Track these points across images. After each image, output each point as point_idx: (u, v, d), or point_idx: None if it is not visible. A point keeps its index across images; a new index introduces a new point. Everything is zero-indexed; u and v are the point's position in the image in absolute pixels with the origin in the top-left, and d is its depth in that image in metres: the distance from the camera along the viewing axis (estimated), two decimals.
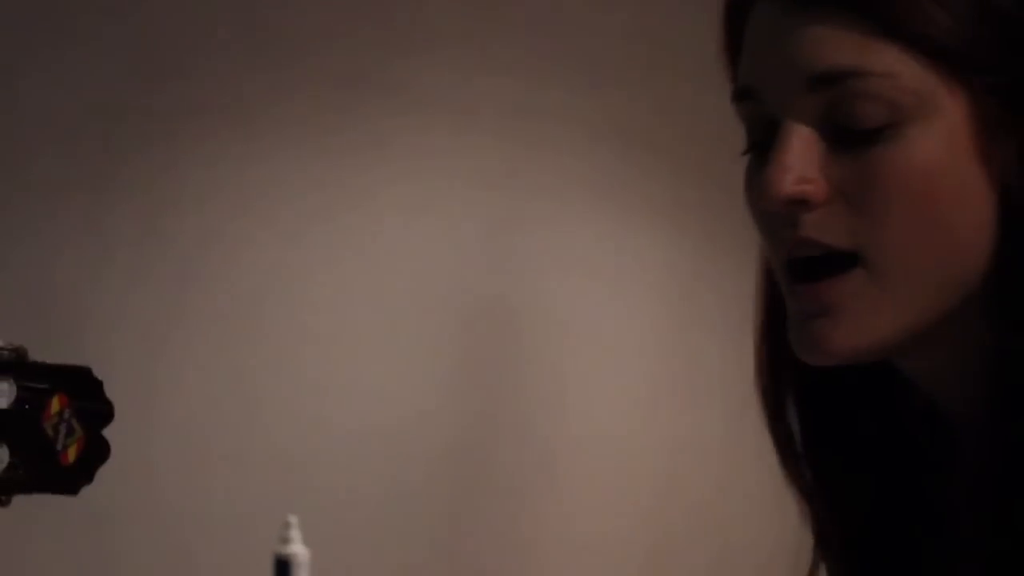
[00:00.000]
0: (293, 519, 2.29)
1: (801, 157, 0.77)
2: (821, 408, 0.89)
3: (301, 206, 2.63)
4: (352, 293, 2.67)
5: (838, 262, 0.77)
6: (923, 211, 0.75)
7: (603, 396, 2.80)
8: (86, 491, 1.01)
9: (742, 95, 0.82)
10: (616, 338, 2.79)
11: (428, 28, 2.71)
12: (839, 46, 0.75)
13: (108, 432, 1.00)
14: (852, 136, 0.76)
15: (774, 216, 0.78)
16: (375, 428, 2.68)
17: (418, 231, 2.69)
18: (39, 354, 0.99)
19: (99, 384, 1.01)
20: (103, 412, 1.01)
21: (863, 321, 0.76)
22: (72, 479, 1.00)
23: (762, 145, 0.81)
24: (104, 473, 1.01)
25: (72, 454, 1.00)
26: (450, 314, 2.71)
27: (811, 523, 0.91)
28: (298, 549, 2.28)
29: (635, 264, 2.75)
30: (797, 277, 0.79)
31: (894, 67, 0.75)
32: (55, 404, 1.00)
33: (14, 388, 0.99)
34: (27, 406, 0.99)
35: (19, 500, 0.98)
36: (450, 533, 2.73)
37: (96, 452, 1.00)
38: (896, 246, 0.75)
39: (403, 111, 2.68)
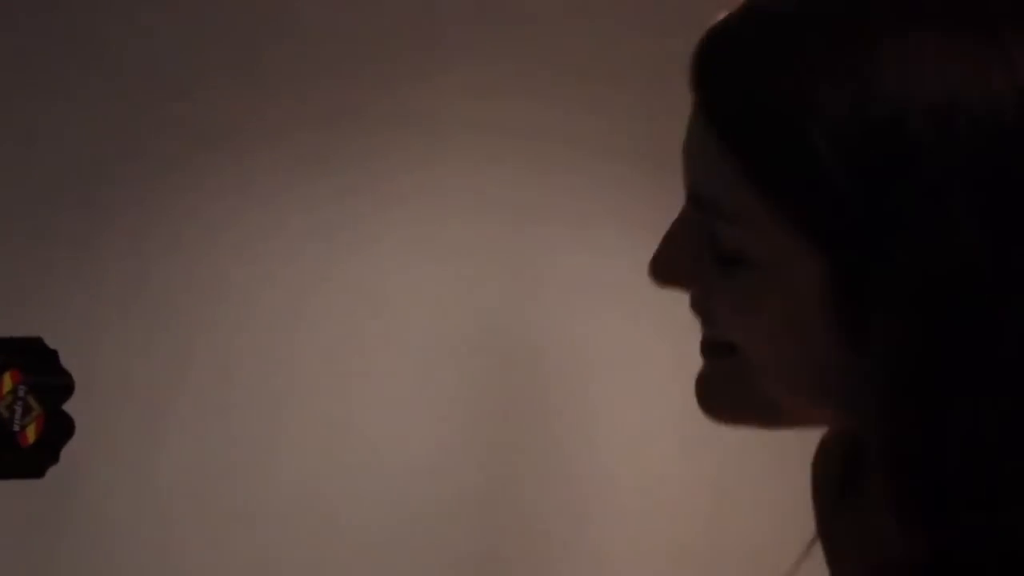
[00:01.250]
0: None
1: (674, 250, 0.78)
2: None
3: (315, 246, 2.54)
4: (369, 333, 2.58)
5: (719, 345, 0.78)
6: (777, 339, 0.74)
7: (634, 430, 2.71)
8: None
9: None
10: (647, 370, 2.70)
11: (438, 55, 2.62)
12: (713, 175, 0.73)
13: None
14: (718, 254, 0.75)
15: None
16: (399, 468, 2.59)
17: (435, 266, 2.61)
18: None
19: (54, 354, 0.92)
20: (62, 385, 0.92)
21: (728, 401, 0.79)
22: (35, 461, 0.91)
23: None
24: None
25: (31, 434, 0.91)
26: (472, 350, 2.62)
27: None
28: None
29: (665, 294, 2.62)
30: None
31: (753, 214, 0.71)
32: (7, 381, 0.91)
33: None
34: None
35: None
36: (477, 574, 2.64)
37: (59, 429, 0.91)
38: (758, 357, 0.75)
39: (413, 141, 2.59)
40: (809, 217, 0.70)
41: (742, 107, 0.72)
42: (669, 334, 2.55)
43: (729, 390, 0.79)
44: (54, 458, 0.91)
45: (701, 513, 2.66)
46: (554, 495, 2.64)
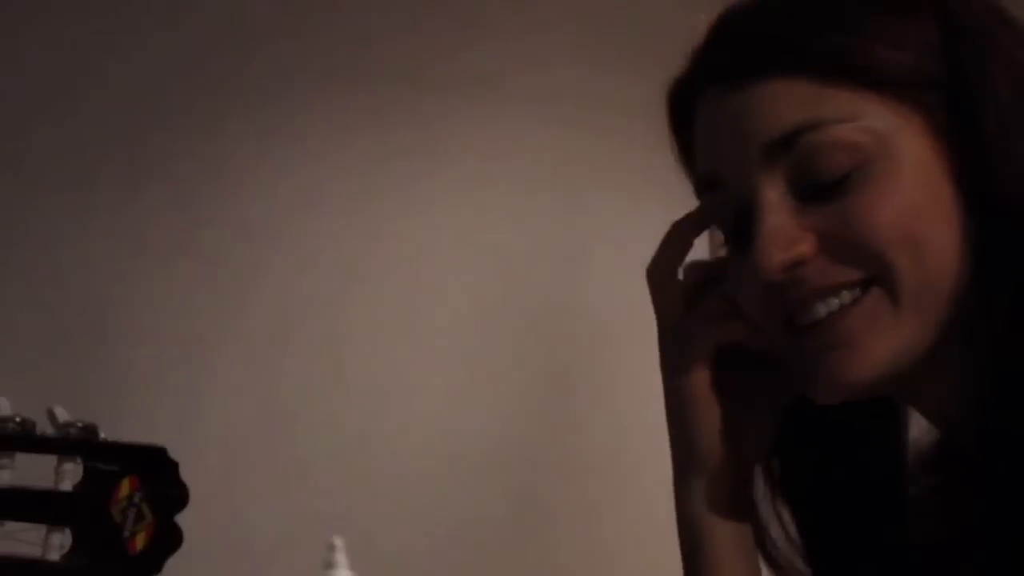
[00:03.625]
0: (339, 541, 2.03)
1: (782, 224, 0.79)
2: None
3: (361, 211, 2.56)
4: (418, 289, 2.58)
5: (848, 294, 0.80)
6: (913, 229, 0.77)
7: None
8: None
9: (707, 184, 0.85)
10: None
11: (490, 21, 2.66)
12: (786, 106, 0.78)
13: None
14: (822, 189, 0.78)
15: (775, 288, 0.80)
16: (428, 447, 2.56)
17: (478, 238, 2.61)
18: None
19: (175, 466, 0.93)
20: (177, 496, 0.93)
21: (880, 344, 0.79)
22: (139, 569, 0.91)
23: (737, 236, 0.84)
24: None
25: (140, 542, 0.91)
26: (517, 319, 2.61)
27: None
28: (343, 574, 2.03)
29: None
30: (804, 325, 0.81)
31: (846, 110, 0.77)
32: (125, 487, 0.92)
33: (80, 468, 0.91)
34: (93, 488, 0.91)
35: None
36: (498, 552, 2.57)
37: (166, 540, 0.91)
38: (901, 265, 0.78)
39: (465, 105, 2.62)
40: (892, 80, 0.77)
41: (822, 31, 0.79)
42: None
43: (875, 335, 0.79)
44: (157, 568, 0.92)
45: None
46: (601, 460, 2.58)
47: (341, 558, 2.04)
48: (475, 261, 2.63)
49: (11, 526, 0.90)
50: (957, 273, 0.79)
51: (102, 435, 0.93)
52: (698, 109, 0.86)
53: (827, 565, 0.91)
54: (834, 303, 0.80)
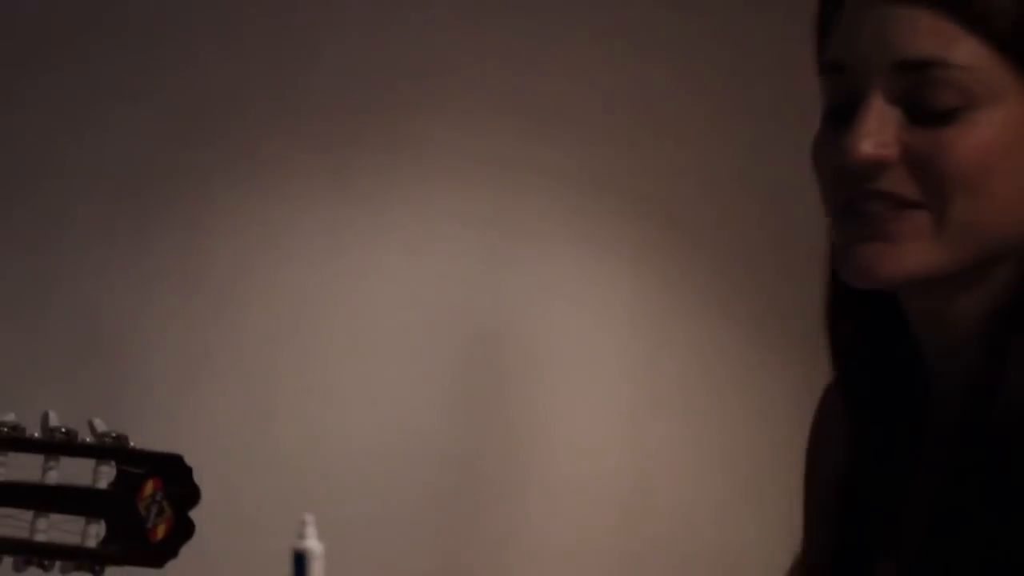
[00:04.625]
0: (310, 518, 2.52)
1: (881, 126, 0.86)
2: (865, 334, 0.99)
3: (319, 243, 2.86)
4: (365, 320, 2.91)
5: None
6: (982, 179, 0.85)
7: (583, 410, 3.00)
8: None
9: (832, 67, 0.92)
10: (593, 359, 3.01)
11: (433, 92, 2.95)
12: (927, 36, 0.85)
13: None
14: (928, 115, 0.86)
15: (850, 172, 0.87)
16: (384, 439, 2.91)
17: (422, 266, 2.93)
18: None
19: (189, 470, 1.12)
20: (191, 495, 1.12)
21: (915, 254, 0.87)
22: (160, 554, 1.11)
23: (838, 112, 0.90)
24: None
25: (160, 532, 1.10)
26: (449, 338, 2.94)
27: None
28: (313, 544, 2.51)
29: (609, 295, 2.94)
30: (859, 213, 0.89)
31: (972, 59, 0.85)
32: (149, 487, 1.11)
33: (114, 471, 1.10)
34: (124, 487, 1.10)
35: (110, 571, 1.09)
36: (441, 530, 2.91)
37: (182, 531, 1.11)
38: (957, 207, 0.86)
39: (408, 165, 2.93)
40: (1016, 43, 0.85)
41: None
42: (610, 326, 2.83)
43: (912, 245, 0.86)
44: (174, 554, 1.11)
45: (631, 480, 2.93)
46: (514, 462, 2.96)
47: (311, 530, 2.52)
48: (425, 290, 2.95)
49: (55, 518, 1.09)
50: (1008, 230, 0.87)
51: (131, 443, 1.12)
52: (849, 2, 0.91)
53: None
54: (889, 205, 0.87)
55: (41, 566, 1.08)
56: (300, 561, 2.50)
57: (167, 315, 2.78)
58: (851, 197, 0.88)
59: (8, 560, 1.07)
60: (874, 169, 0.86)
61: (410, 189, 2.92)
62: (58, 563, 1.08)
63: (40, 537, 1.08)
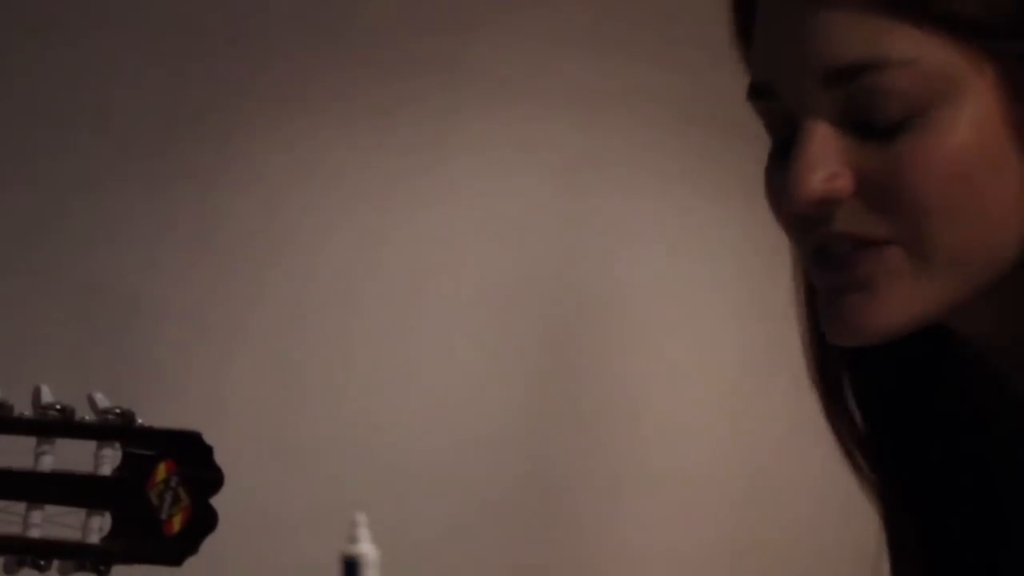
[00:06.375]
0: (362, 518, 2.21)
1: (824, 155, 0.74)
2: (878, 390, 0.88)
3: (374, 203, 2.64)
4: (427, 277, 2.66)
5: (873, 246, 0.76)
6: (958, 195, 0.73)
7: (683, 383, 2.74)
8: None
9: (757, 93, 0.79)
10: (694, 318, 2.76)
11: (493, 11, 2.74)
12: (853, 37, 0.72)
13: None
14: (874, 129, 0.74)
15: (803, 217, 0.76)
16: (445, 426, 2.65)
17: (493, 220, 2.69)
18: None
19: (209, 450, 0.96)
20: (212, 479, 0.96)
21: (898, 298, 0.75)
22: (176, 549, 0.95)
23: (783, 143, 0.78)
24: None
25: (177, 523, 0.95)
26: (521, 302, 2.69)
27: (882, 521, 0.90)
28: (367, 549, 2.20)
29: (713, 237, 2.71)
30: (829, 257, 0.77)
31: (914, 52, 0.72)
32: (161, 471, 0.95)
33: (119, 454, 0.95)
34: (132, 472, 0.95)
35: (117, 571, 0.94)
36: (515, 538, 2.66)
37: (203, 521, 0.95)
38: (934, 233, 0.74)
39: (470, 98, 2.70)
40: (972, 23, 0.72)
41: None
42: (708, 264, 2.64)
43: (893, 288, 0.75)
44: (193, 549, 0.95)
45: (749, 467, 2.66)
46: (608, 451, 2.66)
47: (364, 532, 2.21)
48: (489, 247, 2.70)
49: (51, 510, 0.94)
50: (1005, 241, 0.75)
51: (139, 421, 0.96)
52: (760, 4, 0.80)
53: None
54: (856, 246, 0.77)
55: (36, 566, 0.94)
56: (352, 568, 2.20)
57: (179, 273, 2.57)
58: (816, 242, 0.78)
59: None
60: (823, 209, 0.75)
61: (474, 132, 2.68)
62: (56, 562, 0.94)
63: (35, 533, 0.94)
